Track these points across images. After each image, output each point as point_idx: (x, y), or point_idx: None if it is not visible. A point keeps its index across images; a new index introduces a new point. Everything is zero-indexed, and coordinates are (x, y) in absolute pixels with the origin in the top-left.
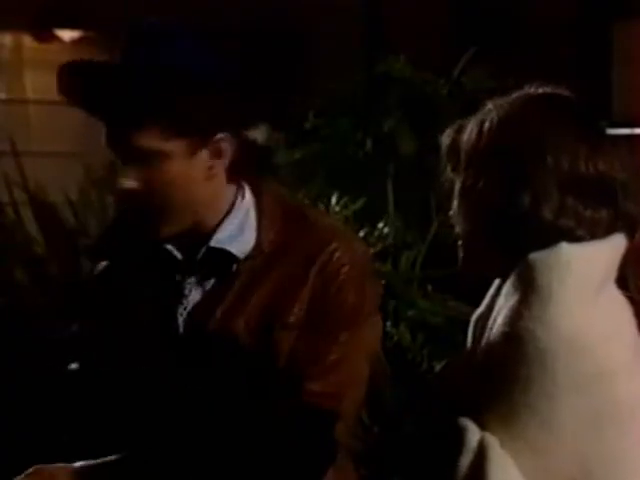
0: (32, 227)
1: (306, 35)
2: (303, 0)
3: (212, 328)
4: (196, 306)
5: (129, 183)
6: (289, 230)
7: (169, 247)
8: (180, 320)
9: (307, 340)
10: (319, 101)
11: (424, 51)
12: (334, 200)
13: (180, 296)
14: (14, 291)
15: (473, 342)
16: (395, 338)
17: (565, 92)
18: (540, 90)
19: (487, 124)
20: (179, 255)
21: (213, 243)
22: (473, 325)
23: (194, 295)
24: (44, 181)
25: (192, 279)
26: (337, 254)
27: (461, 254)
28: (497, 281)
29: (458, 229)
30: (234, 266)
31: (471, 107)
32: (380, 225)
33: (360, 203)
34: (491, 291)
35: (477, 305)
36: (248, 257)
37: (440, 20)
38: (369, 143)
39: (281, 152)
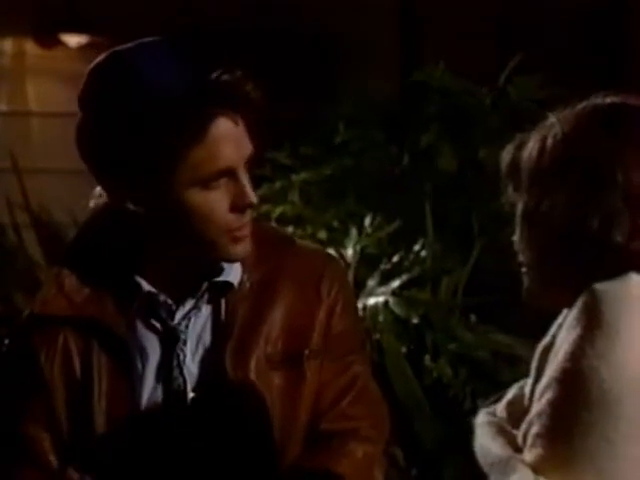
0: (35, 251)
1: (336, 40)
2: (333, 2)
3: (226, 368)
4: (199, 349)
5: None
6: (271, 253)
7: (152, 289)
8: (182, 369)
9: (326, 369)
10: (350, 112)
11: (465, 58)
12: (367, 221)
13: (174, 342)
14: (14, 320)
15: (536, 376)
16: (435, 374)
17: (635, 102)
18: (608, 100)
19: (550, 139)
20: (169, 299)
21: (217, 276)
22: (537, 358)
23: (191, 338)
24: (48, 200)
25: (184, 320)
26: (330, 275)
27: (525, 282)
28: (564, 310)
29: (521, 256)
30: (225, 296)
31: (517, 119)
32: (417, 248)
33: (395, 224)
34: (559, 320)
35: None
36: (240, 285)
37: (482, 24)
38: (405, 158)
39: (308, 168)
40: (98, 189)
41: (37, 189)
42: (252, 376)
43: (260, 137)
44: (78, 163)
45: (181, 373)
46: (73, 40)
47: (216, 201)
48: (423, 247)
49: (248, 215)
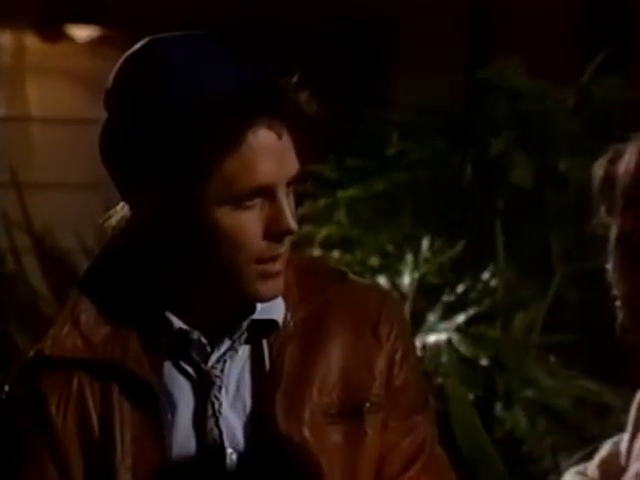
0: (37, 279)
1: (388, 33)
2: None
3: (274, 421)
4: (238, 397)
5: None
6: (318, 288)
7: (184, 326)
8: (218, 420)
9: (390, 430)
10: (405, 118)
11: (539, 54)
12: (425, 244)
13: (208, 389)
14: (15, 363)
15: (634, 431)
16: (507, 425)
17: None
18: None
19: None
20: (203, 338)
21: (258, 313)
22: (635, 409)
23: (228, 384)
24: (53, 221)
25: (219, 363)
26: (388, 316)
27: (619, 318)
28: None
29: (615, 288)
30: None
31: (603, 125)
32: (486, 276)
33: (459, 248)
34: None
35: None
36: (284, 324)
37: (560, 18)
38: (470, 171)
39: (356, 183)
40: (115, 209)
41: (40, 207)
42: (305, 431)
43: (300, 147)
44: (88, 176)
45: (217, 424)
46: (82, 33)
47: (248, 224)
48: (493, 275)
49: (284, 246)
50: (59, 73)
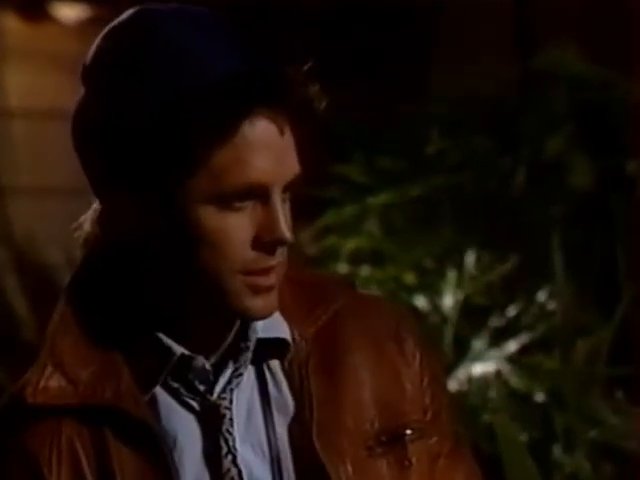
0: (18, 300)
1: (428, 15)
2: None
3: (314, 457)
4: (251, 430)
5: None
6: (324, 301)
7: (187, 353)
8: (235, 458)
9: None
10: (446, 112)
11: (599, 40)
12: (470, 259)
13: (218, 423)
14: None
15: None
16: (568, 470)
17: None
18: None
19: None
20: (207, 365)
21: (262, 332)
22: None
23: (239, 415)
24: (35, 230)
25: (226, 392)
26: (408, 332)
27: None
28: None
29: None
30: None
31: None
32: (541, 297)
33: (510, 264)
34: None
35: None
36: (294, 343)
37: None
38: (522, 173)
39: (390, 188)
40: (85, 216)
41: (21, 215)
42: (349, 467)
43: (322, 145)
44: (77, 180)
45: (234, 463)
46: (69, 14)
47: (235, 228)
48: (550, 296)
49: (276, 258)
50: (44, 59)
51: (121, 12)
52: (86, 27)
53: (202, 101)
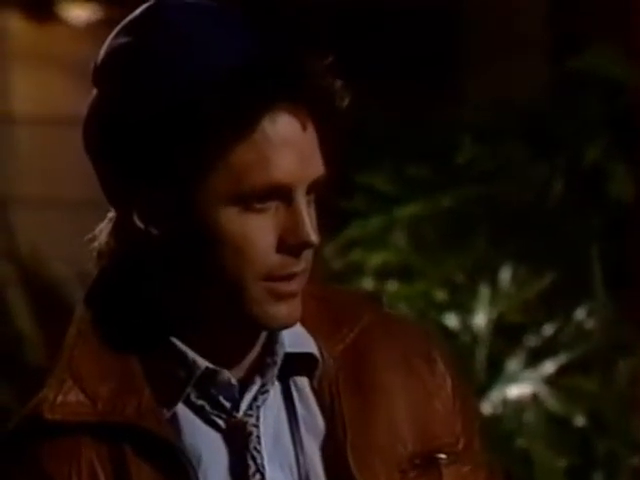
0: (22, 316)
1: (458, 15)
2: None
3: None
4: (278, 449)
5: None
6: (350, 316)
7: (212, 366)
8: (264, 478)
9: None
10: (479, 118)
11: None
12: (505, 274)
13: (245, 442)
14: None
15: None
16: None
17: None
18: None
19: None
20: (233, 379)
21: (290, 347)
22: None
23: (266, 434)
24: (41, 244)
25: (252, 409)
26: (438, 351)
27: None
28: None
29: None
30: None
31: None
32: (580, 315)
33: (547, 278)
34: None
35: None
36: (323, 360)
37: None
38: (559, 183)
39: (419, 198)
40: (100, 227)
41: (26, 227)
42: None
43: (347, 152)
44: (85, 190)
45: None
46: (78, 15)
47: (258, 231)
48: (589, 314)
49: (301, 263)
50: (51, 63)
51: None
52: (96, 29)
53: (219, 95)
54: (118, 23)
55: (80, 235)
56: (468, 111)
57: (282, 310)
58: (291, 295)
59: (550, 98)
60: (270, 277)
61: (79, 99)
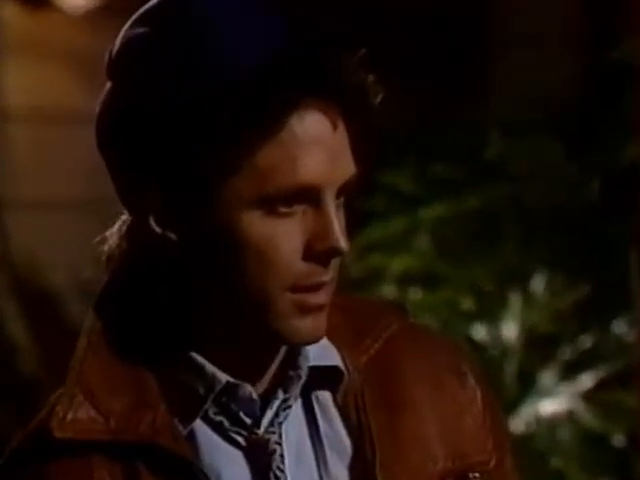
0: (17, 327)
1: (487, 4)
2: None
3: None
4: (301, 467)
5: None
6: (373, 326)
7: (233, 380)
8: None
9: None
10: (508, 114)
11: None
12: (537, 281)
13: (268, 460)
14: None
15: None
16: None
17: None
18: None
19: None
20: (255, 394)
21: (315, 360)
22: None
23: (289, 451)
24: (37, 249)
25: (274, 426)
26: (468, 365)
27: None
28: None
29: None
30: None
31: None
32: (619, 325)
33: (583, 286)
34: None
35: None
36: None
37: None
38: (596, 184)
39: (444, 199)
40: (111, 229)
41: (21, 232)
42: None
43: (367, 149)
44: (85, 192)
45: None
46: (76, 3)
47: (284, 236)
48: (629, 324)
49: (330, 272)
50: (47, 53)
51: (134, 1)
52: (95, 17)
53: (244, 91)
54: (117, 11)
55: (79, 240)
56: (497, 107)
57: (308, 324)
58: (318, 308)
59: (586, 92)
60: (296, 287)
61: (77, 93)
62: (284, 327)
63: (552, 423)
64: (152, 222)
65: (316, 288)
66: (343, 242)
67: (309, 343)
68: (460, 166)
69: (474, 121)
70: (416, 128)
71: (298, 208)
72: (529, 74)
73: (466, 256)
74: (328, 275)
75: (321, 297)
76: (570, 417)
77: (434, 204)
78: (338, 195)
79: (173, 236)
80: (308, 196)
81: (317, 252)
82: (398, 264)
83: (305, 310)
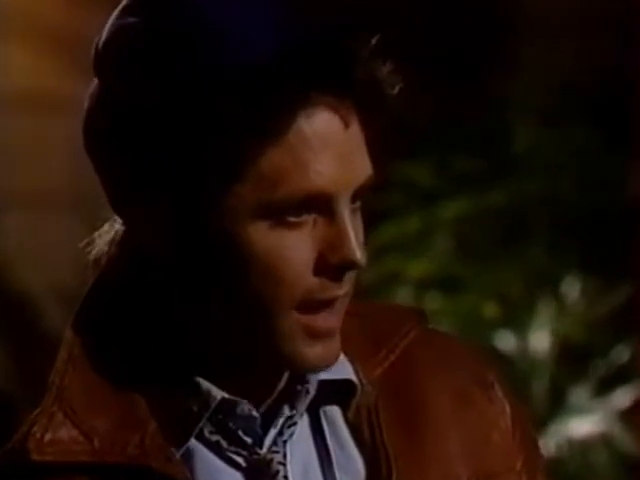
0: None
1: None
2: None
3: None
4: None
5: None
6: (389, 335)
7: (229, 397)
8: None
9: None
10: (536, 103)
11: None
12: (569, 287)
13: None
14: None
15: None
16: None
17: None
18: None
19: None
20: (254, 411)
21: (325, 373)
22: None
23: (294, 472)
24: (14, 250)
25: (277, 445)
26: (495, 377)
27: None
28: None
29: None
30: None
31: None
32: None
33: (620, 292)
34: None
35: None
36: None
37: None
38: (636, 177)
39: (466, 195)
40: (99, 231)
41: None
42: None
43: (383, 140)
44: (67, 188)
45: None
46: None
47: (292, 248)
48: None
49: (344, 286)
50: (27, 33)
51: None
52: (85, 1)
53: (245, 88)
54: None
55: (59, 240)
56: (526, 94)
57: (317, 351)
58: (329, 333)
59: (621, 81)
60: (306, 302)
61: (62, 77)
62: (290, 352)
63: (585, 445)
64: (147, 232)
65: (328, 304)
66: (359, 254)
67: (318, 371)
68: (484, 158)
69: (502, 111)
70: (435, 117)
71: (308, 217)
72: (563, 59)
73: (490, 258)
74: (342, 289)
75: (332, 320)
76: (604, 439)
77: (455, 200)
78: (354, 199)
79: (171, 246)
80: (319, 204)
81: (330, 265)
82: (415, 267)
83: (315, 335)
